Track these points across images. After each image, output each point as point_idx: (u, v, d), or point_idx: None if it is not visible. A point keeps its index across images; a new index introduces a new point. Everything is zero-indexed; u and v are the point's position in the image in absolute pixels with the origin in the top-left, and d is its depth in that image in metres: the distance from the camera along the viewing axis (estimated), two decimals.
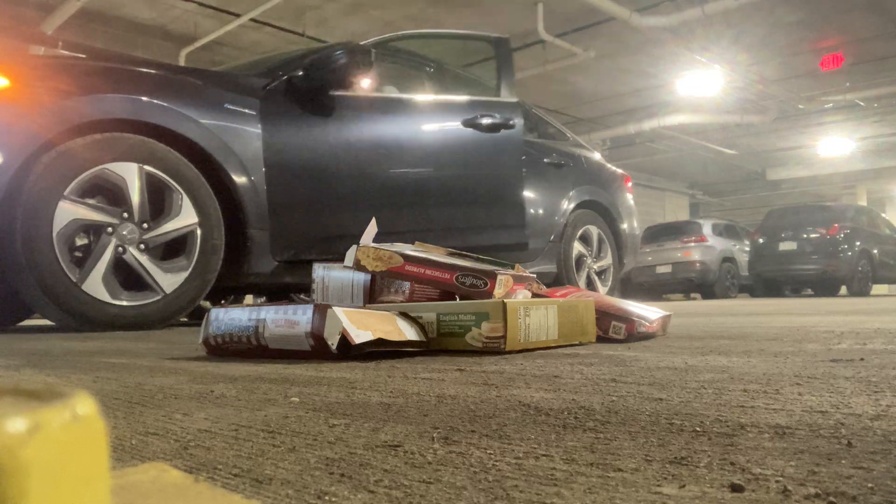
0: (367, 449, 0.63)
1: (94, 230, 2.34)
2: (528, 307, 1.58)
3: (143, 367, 1.44)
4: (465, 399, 0.91)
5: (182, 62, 9.09)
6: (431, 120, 3.28)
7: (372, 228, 1.99)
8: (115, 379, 1.24)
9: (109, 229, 2.33)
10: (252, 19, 8.47)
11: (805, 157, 17.75)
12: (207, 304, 5.85)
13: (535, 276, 1.93)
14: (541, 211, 3.95)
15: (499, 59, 3.99)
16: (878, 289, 12.64)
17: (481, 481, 0.51)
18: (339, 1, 8.32)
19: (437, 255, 1.83)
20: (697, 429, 0.68)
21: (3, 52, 2.36)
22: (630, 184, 4.85)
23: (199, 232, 2.47)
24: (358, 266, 1.82)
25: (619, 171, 4.80)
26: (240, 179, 2.53)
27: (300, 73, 2.82)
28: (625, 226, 4.59)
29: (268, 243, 2.61)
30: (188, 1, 8.10)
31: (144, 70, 2.52)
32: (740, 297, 12.41)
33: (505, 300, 1.55)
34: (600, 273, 4.45)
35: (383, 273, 1.78)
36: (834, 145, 15.88)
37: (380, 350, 1.47)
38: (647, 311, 1.94)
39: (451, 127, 3.36)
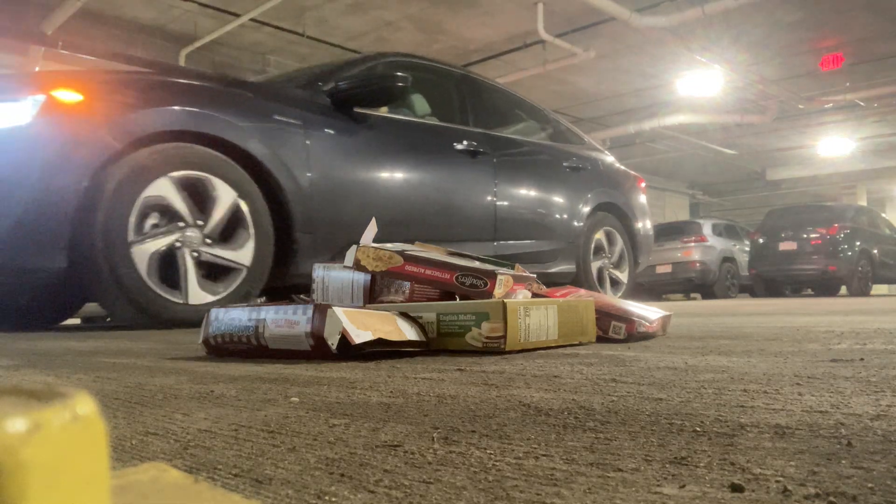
0: (367, 449, 0.63)
1: (169, 219, 2.51)
2: (528, 307, 1.58)
3: (143, 367, 1.44)
4: (465, 399, 0.91)
5: (182, 62, 9.09)
6: (450, 140, 3.51)
7: (372, 228, 1.99)
8: (115, 379, 1.24)
9: (181, 226, 2.51)
10: (252, 19, 8.46)
11: (805, 157, 17.75)
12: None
13: (535, 276, 1.93)
14: (562, 214, 4.06)
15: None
16: (878, 289, 12.64)
17: (481, 481, 0.51)
18: (338, 1, 8.31)
19: (437, 255, 1.83)
20: (697, 429, 0.68)
21: (75, 70, 2.54)
22: (643, 185, 4.97)
23: (246, 270, 2.68)
24: (358, 266, 1.82)
25: (633, 172, 4.92)
26: (288, 187, 2.70)
27: (341, 85, 3.00)
28: (639, 226, 4.70)
29: (311, 247, 2.79)
30: (188, 1, 8.10)
31: (202, 83, 2.66)
32: (740, 297, 12.41)
33: (505, 300, 1.55)
34: (617, 273, 4.55)
35: (383, 273, 1.79)
36: (834, 145, 15.87)
37: (380, 350, 1.47)
38: (647, 311, 1.94)
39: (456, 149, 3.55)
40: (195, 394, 1.01)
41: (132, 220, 2.36)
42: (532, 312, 1.59)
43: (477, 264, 1.77)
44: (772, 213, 12.23)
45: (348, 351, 1.43)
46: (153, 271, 2.48)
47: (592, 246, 4.28)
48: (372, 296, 1.89)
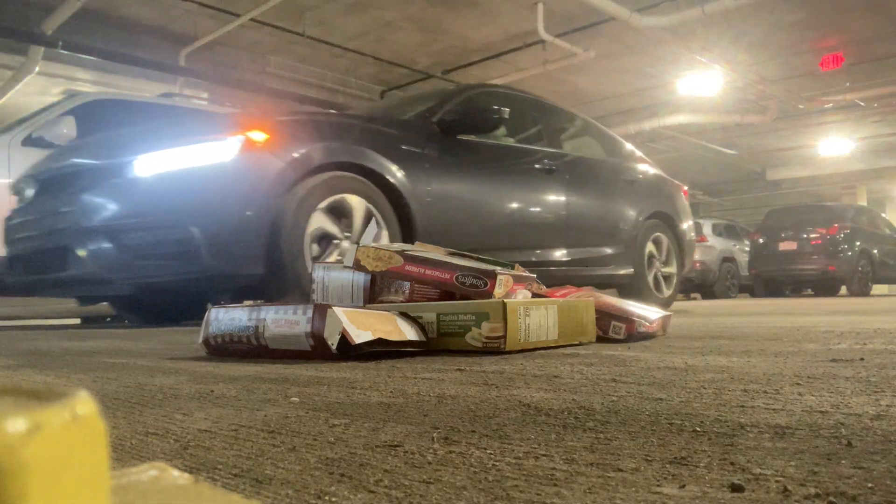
0: (367, 449, 0.63)
1: (327, 239, 2.96)
2: (528, 307, 1.58)
3: (143, 367, 1.44)
4: (465, 399, 0.91)
5: (182, 62, 9.08)
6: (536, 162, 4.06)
7: (372, 228, 1.99)
8: (115, 379, 1.24)
9: (336, 241, 2.96)
10: (252, 19, 8.46)
11: (805, 157, 17.74)
12: (208, 303, 5.85)
13: (535, 276, 1.93)
14: (621, 222, 4.50)
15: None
16: (878, 289, 12.63)
17: (481, 481, 0.51)
18: (338, 1, 8.31)
19: (437, 254, 1.83)
20: (697, 429, 0.68)
21: (260, 113, 3.06)
22: (686, 193, 5.36)
23: None
24: (358, 266, 1.82)
25: (677, 182, 5.31)
26: (413, 204, 3.18)
27: (447, 117, 3.53)
28: (684, 230, 5.13)
29: None
30: (188, 1, 8.09)
31: (351, 121, 3.20)
32: (740, 297, 12.41)
33: (505, 300, 1.55)
34: (667, 275, 4.96)
35: (383, 273, 1.78)
36: (834, 145, 15.86)
37: (380, 350, 1.47)
38: (647, 311, 1.94)
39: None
40: (195, 394, 1.01)
41: (307, 250, 2.83)
42: (532, 312, 1.59)
43: (477, 264, 1.77)
44: (772, 213, 12.22)
45: (348, 351, 1.43)
46: None
47: (647, 250, 4.69)
48: (372, 296, 1.89)
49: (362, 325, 1.44)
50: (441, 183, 3.33)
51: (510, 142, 4.00)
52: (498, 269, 1.73)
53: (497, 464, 0.56)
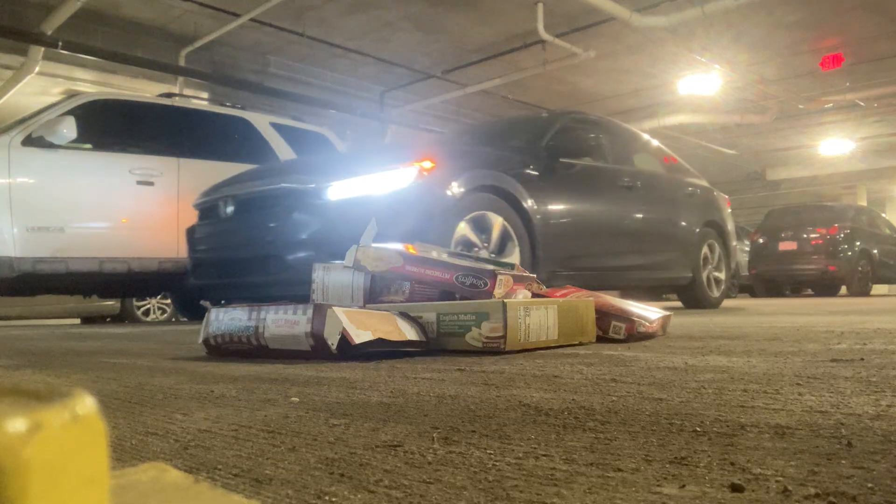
0: (367, 449, 0.63)
1: (468, 247, 3.33)
2: (528, 307, 1.58)
3: (143, 367, 1.44)
4: (465, 399, 0.91)
5: (182, 62, 9.07)
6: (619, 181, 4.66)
7: (372, 228, 1.99)
8: (115, 379, 1.24)
9: (476, 249, 3.37)
10: (252, 19, 8.45)
11: (805, 157, 17.73)
12: (207, 304, 5.84)
13: (535, 276, 1.93)
14: (683, 231, 5.09)
15: None
16: (878, 289, 12.62)
17: (481, 481, 0.51)
18: (338, 1, 8.31)
19: (437, 254, 1.83)
20: (697, 429, 0.68)
21: (425, 145, 3.71)
22: (729, 203, 5.97)
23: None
24: (358, 266, 1.82)
25: (723, 194, 5.90)
26: (535, 218, 3.67)
27: (551, 143, 4.06)
28: (731, 237, 5.76)
29: (544, 258, 3.74)
30: (188, 1, 8.09)
31: (490, 151, 3.80)
32: (740, 297, 12.40)
33: (505, 300, 1.55)
34: (717, 278, 5.58)
35: (383, 273, 1.78)
36: (834, 145, 15.85)
37: (380, 350, 1.47)
38: (647, 311, 1.94)
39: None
40: (195, 394, 1.01)
41: (456, 231, 3.27)
42: (532, 312, 1.59)
43: (477, 264, 1.77)
44: (772, 213, 12.21)
45: (348, 351, 1.43)
46: None
47: (702, 255, 5.29)
48: (372, 296, 1.89)
49: (362, 325, 1.44)
50: (552, 201, 3.88)
51: (599, 162, 4.58)
52: (498, 269, 1.73)
53: (497, 464, 0.56)
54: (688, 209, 5.20)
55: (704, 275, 5.32)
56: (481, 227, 3.46)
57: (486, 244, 3.47)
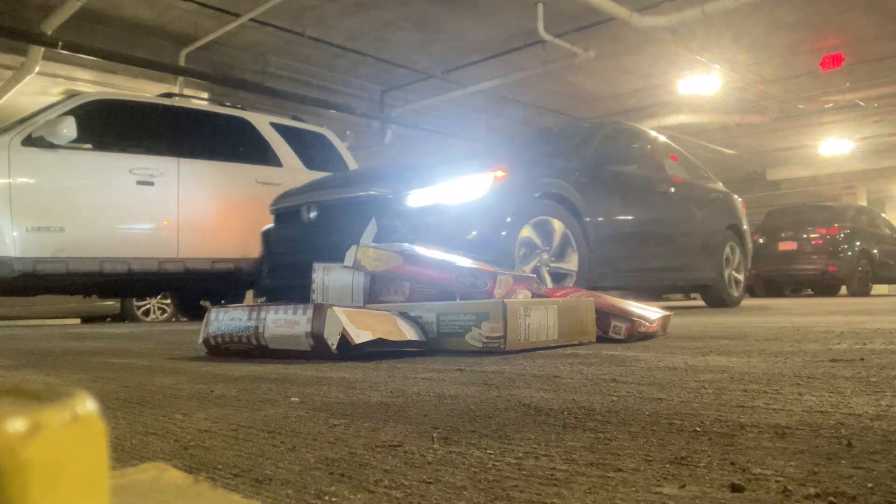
0: (367, 449, 0.63)
1: (530, 248, 3.54)
2: (528, 307, 1.58)
3: (143, 367, 1.44)
4: (465, 399, 0.91)
5: (182, 62, 9.07)
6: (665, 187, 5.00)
7: (372, 228, 1.99)
8: (115, 379, 1.24)
9: (538, 252, 3.56)
10: (252, 19, 8.45)
11: (805, 157, 17.73)
12: (207, 303, 5.84)
13: (535, 276, 1.93)
14: (709, 234, 5.37)
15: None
16: (878, 289, 12.61)
17: (481, 481, 0.51)
18: (338, 1, 8.31)
19: (437, 255, 1.83)
20: (697, 429, 0.68)
21: (498, 154, 4.11)
22: (744, 206, 6.29)
23: (575, 275, 3.76)
24: (358, 266, 1.82)
25: (739, 198, 6.21)
26: (589, 222, 3.86)
27: (600, 151, 4.32)
28: (748, 238, 6.08)
29: (598, 259, 3.94)
30: (188, 1, 8.09)
31: (551, 160, 4.02)
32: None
33: (505, 300, 1.55)
34: (736, 279, 5.90)
35: (383, 273, 1.78)
36: (834, 145, 15.84)
37: (380, 350, 1.47)
38: (647, 311, 1.94)
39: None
40: (195, 394, 1.01)
41: (515, 250, 3.45)
42: (532, 312, 1.59)
43: (477, 264, 1.77)
44: (772, 213, 12.20)
45: (348, 351, 1.43)
46: None
47: (724, 256, 5.57)
48: (372, 296, 1.89)
49: (362, 325, 1.44)
50: (602, 206, 4.10)
51: (640, 170, 4.81)
52: (498, 269, 1.73)
53: (497, 464, 0.56)
54: (713, 213, 5.49)
55: (726, 275, 5.62)
56: (543, 230, 3.64)
57: (546, 247, 3.66)
